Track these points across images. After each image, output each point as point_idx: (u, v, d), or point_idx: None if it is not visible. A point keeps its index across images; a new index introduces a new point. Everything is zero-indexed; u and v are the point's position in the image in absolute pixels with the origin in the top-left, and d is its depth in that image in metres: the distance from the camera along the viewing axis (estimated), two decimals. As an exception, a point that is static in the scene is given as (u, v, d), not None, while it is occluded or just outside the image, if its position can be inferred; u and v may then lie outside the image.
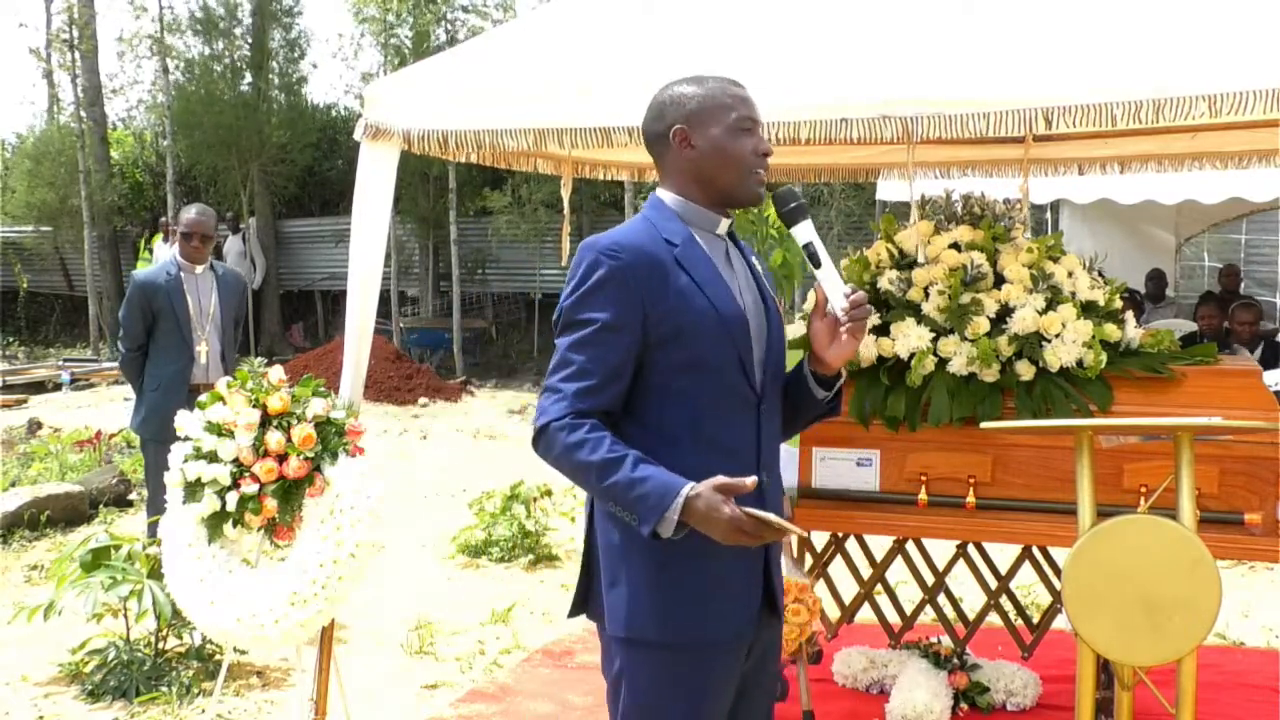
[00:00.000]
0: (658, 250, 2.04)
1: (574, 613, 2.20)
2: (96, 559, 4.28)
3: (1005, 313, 3.41)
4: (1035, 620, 4.10)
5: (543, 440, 2.02)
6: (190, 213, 5.31)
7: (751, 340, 2.10)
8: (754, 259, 2.27)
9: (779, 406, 2.20)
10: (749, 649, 2.14)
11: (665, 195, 2.15)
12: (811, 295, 2.18)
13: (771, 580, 2.16)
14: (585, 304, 2.02)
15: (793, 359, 2.28)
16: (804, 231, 2.14)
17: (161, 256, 13.14)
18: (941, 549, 4.09)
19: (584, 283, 2.02)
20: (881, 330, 3.50)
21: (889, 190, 9.08)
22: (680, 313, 2.02)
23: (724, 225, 2.16)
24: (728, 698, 2.10)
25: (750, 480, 1.93)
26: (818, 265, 2.12)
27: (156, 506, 4.71)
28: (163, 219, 15.78)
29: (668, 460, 1.98)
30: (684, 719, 2.05)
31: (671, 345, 2.02)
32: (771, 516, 1.89)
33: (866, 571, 4.09)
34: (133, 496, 7.41)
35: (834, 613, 4.14)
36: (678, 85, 2.14)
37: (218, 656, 4.31)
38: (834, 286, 2.12)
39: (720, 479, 1.92)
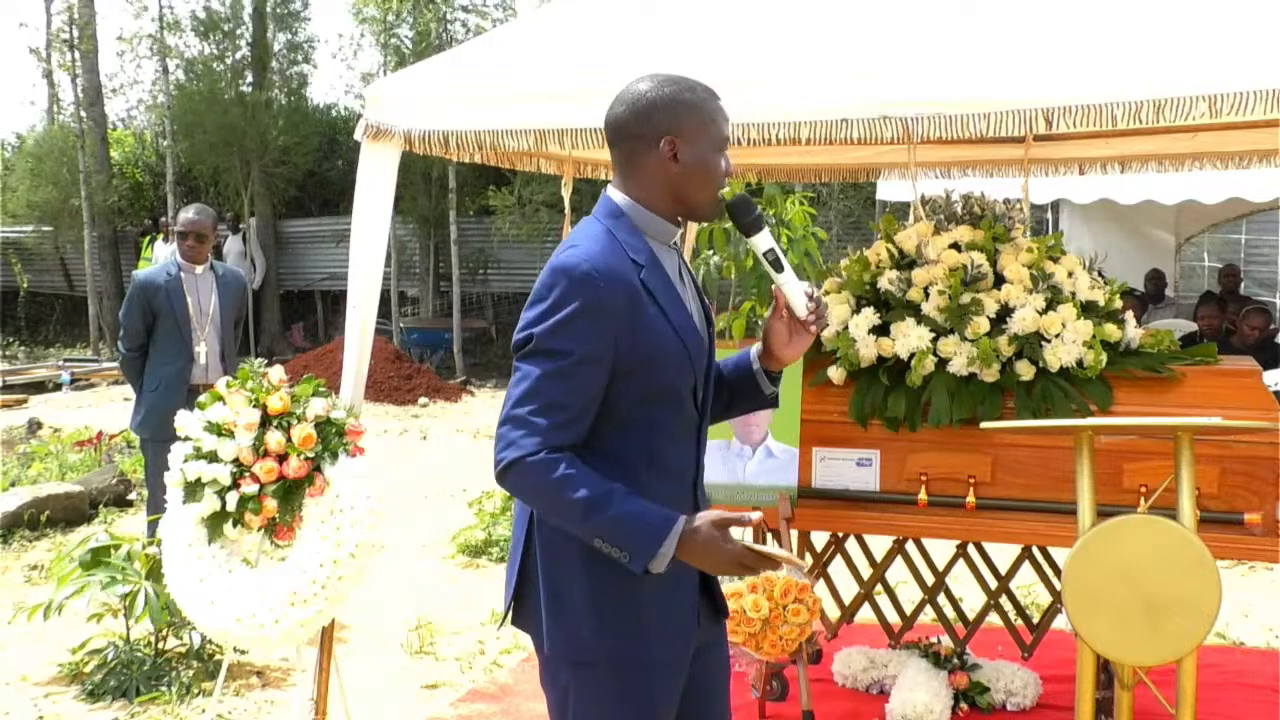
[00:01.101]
0: (628, 275, 1.97)
1: (503, 624, 2.16)
2: (96, 559, 4.28)
3: (1005, 313, 3.41)
4: (1035, 620, 4.10)
5: (513, 474, 1.91)
6: (188, 213, 5.32)
7: (704, 360, 2.10)
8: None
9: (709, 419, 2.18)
10: (696, 651, 2.11)
11: (621, 199, 2.07)
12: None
13: (711, 584, 2.14)
14: (560, 334, 1.92)
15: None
16: (763, 240, 2.13)
17: (161, 256, 13.15)
18: (941, 549, 4.09)
19: (558, 310, 1.93)
20: (881, 330, 3.50)
21: (889, 190, 9.09)
22: (648, 345, 1.98)
23: (676, 235, 2.13)
24: (675, 705, 2.09)
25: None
26: (780, 270, 2.12)
27: (156, 506, 4.71)
28: (163, 219, 15.79)
29: (620, 484, 1.93)
30: None
31: (636, 376, 1.98)
32: (773, 551, 1.88)
33: (866, 571, 4.09)
34: (133, 496, 7.41)
35: (834, 613, 4.14)
36: (668, 88, 2.04)
37: (218, 656, 4.31)
38: (795, 291, 2.11)
39: (718, 514, 1.90)
